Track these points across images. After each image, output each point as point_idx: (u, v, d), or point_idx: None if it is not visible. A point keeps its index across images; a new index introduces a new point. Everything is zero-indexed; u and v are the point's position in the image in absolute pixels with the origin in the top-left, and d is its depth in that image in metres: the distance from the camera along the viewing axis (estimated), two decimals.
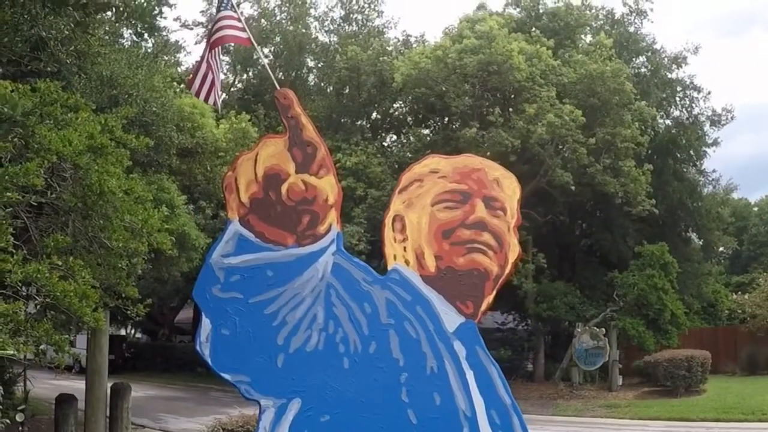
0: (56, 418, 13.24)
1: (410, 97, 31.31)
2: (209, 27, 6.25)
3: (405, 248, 3.77)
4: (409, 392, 3.51)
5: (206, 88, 5.62)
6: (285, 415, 3.38)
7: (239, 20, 5.55)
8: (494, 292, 3.98)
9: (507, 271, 3.99)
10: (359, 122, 34.24)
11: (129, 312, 12.72)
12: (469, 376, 3.66)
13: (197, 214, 22.39)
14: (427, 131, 33.46)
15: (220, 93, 5.88)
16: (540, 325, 32.96)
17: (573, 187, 27.23)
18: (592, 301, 32.11)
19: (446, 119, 32.13)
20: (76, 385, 15.68)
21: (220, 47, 5.66)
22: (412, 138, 32.26)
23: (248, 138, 21.41)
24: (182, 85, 18.83)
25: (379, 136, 34.41)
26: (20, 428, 13.34)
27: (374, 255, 26.80)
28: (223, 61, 6.47)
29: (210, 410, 22.99)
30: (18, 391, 15.30)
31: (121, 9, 6.20)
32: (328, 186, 3.51)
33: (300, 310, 3.35)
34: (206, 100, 5.87)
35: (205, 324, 3.42)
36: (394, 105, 34.26)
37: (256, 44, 7.69)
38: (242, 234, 3.44)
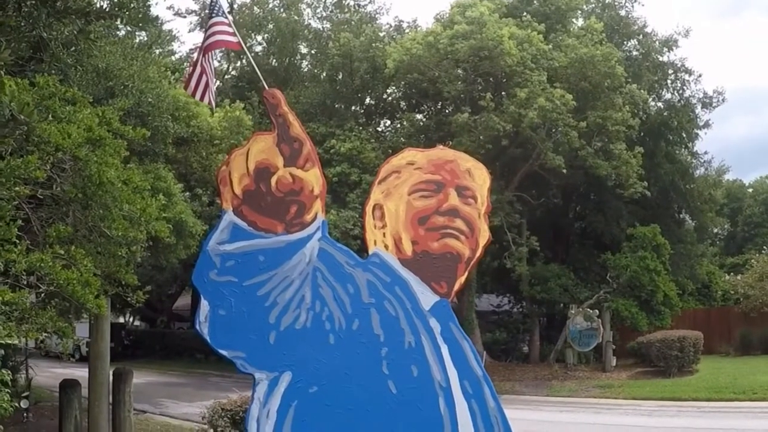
0: (60, 402, 13.52)
1: (403, 83, 31.46)
2: (203, 31, 6.55)
3: (384, 234, 4.07)
4: (389, 365, 3.81)
5: (201, 88, 5.90)
6: (277, 387, 3.69)
7: (230, 25, 5.83)
8: (466, 273, 4.26)
9: (478, 254, 4.28)
10: (353, 108, 34.30)
11: (129, 299, 13.02)
12: (444, 350, 3.95)
13: (194, 202, 22.57)
14: (420, 116, 33.63)
15: (214, 94, 6.17)
16: (535, 308, 33.29)
17: (565, 170, 27.44)
18: (585, 283, 32.44)
19: (439, 104, 32.28)
20: (77, 373, 15.87)
21: (212, 51, 5.95)
22: (405, 123, 32.42)
23: (243, 126, 21.60)
24: (176, 74, 19.00)
25: (372, 122, 34.57)
26: (24, 414, 13.64)
27: None
28: (217, 50, 6.74)
29: (209, 395, 23.22)
30: (21, 378, 15.60)
31: (122, 18, 6.45)
32: (314, 178, 3.80)
33: (289, 292, 3.65)
34: (201, 99, 6.15)
35: (204, 305, 3.71)
36: (387, 91, 34.30)
37: (245, 47, 8.00)
38: (236, 223, 3.72)
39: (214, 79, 6.12)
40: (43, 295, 10.64)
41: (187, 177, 20.25)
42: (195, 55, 6.68)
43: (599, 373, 28.52)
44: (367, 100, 35.22)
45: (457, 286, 4.21)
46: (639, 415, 19.54)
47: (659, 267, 30.08)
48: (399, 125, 34.00)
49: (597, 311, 29.28)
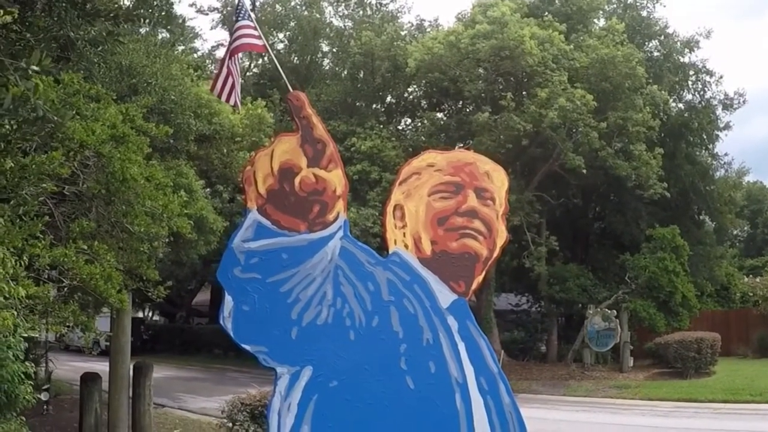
0: (81, 395, 13.74)
1: (424, 82, 31.57)
2: (230, 34, 6.71)
3: (404, 234, 4.19)
4: (407, 361, 3.92)
5: (227, 90, 6.04)
6: (298, 381, 3.80)
7: (255, 28, 5.96)
8: (484, 273, 4.36)
9: (495, 254, 4.38)
10: (374, 106, 34.45)
11: (150, 294, 13.20)
12: (461, 347, 4.06)
13: (214, 198, 22.75)
14: (440, 115, 33.73)
15: (239, 96, 6.30)
16: (553, 307, 33.24)
17: (585, 171, 27.46)
18: (604, 283, 32.47)
19: (459, 103, 32.37)
20: (97, 367, 16.01)
21: (239, 54, 6.09)
22: (426, 122, 32.54)
23: (264, 123, 21.74)
24: (198, 72, 19.15)
25: (393, 120, 34.66)
26: (45, 407, 13.84)
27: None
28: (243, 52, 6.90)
29: (227, 390, 23.43)
30: (41, 371, 15.79)
31: (147, 18, 6.57)
32: (336, 179, 3.90)
33: (311, 289, 3.76)
34: (227, 100, 6.29)
35: (228, 301, 3.83)
36: (408, 89, 34.42)
37: (269, 49, 8.13)
38: (260, 221, 3.83)
39: (240, 81, 6.26)
40: (65, 289, 10.83)
41: (208, 174, 20.42)
42: (222, 56, 6.86)
43: (616, 373, 28.56)
44: (388, 98, 35.34)
45: (474, 286, 4.31)
46: (655, 416, 19.59)
47: (678, 268, 30.03)
48: (420, 124, 34.10)
49: (615, 312, 29.29)
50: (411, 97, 35.08)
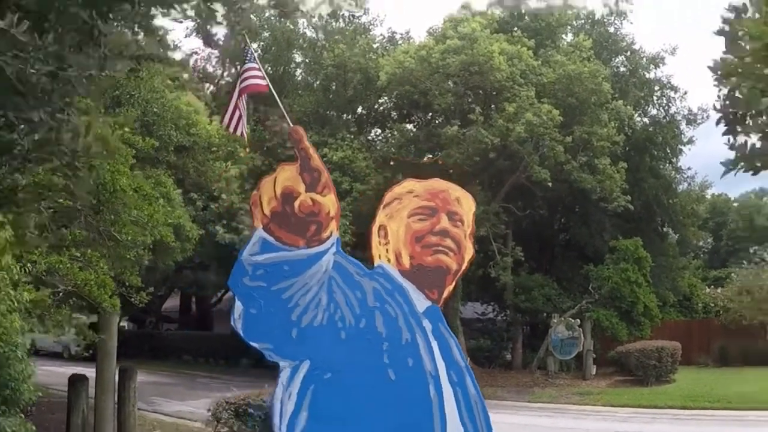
0: (69, 396, 14.20)
1: (395, 93, 32.05)
2: (238, 75, 7.41)
3: (387, 250, 4.83)
4: (389, 356, 4.56)
5: (234, 122, 6.68)
6: (297, 373, 4.42)
7: (260, 70, 6.62)
8: (453, 283, 5.03)
9: (463, 267, 5.04)
10: (345, 116, 34.85)
11: (132, 299, 13.82)
12: (434, 345, 4.70)
13: (189, 206, 23.14)
14: (410, 126, 34.28)
15: (245, 126, 6.95)
16: (518, 316, 33.93)
17: (550, 183, 28.12)
18: (569, 293, 33.19)
19: (429, 115, 32.98)
20: (69, 371, 16.51)
21: (245, 94, 6.75)
22: (396, 133, 33.06)
23: (235, 137, 22.28)
24: (176, 82, 19.61)
25: (364, 131, 35.10)
26: (29, 408, 14.29)
27: (359, 246, 27.79)
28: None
29: (200, 394, 23.89)
30: None
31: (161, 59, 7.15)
32: (330, 202, 4.52)
33: (309, 296, 4.36)
34: (234, 132, 6.94)
35: (238, 306, 4.43)
36: (380, 101, 34.89)
37: (273, 90, 8.82)
38: (265, 238, 4.42)
39: (246, 114, 6.91)
40: (61, 294, 11.42)
41: (183, 182, 20.86)
42: (231, 94, 7.58)
43: (579, 380, 29.39)
44: (359, 109, 35.74)
45: (445, 294, 4.98)
46: (615, 421, 20.36)
47: (640, 279, 30.87)
48: (390, 135, 34.63)
49: (578, 321, 30.08)
50: (382, 108, 35.54)
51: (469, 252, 4.96)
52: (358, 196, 27.96)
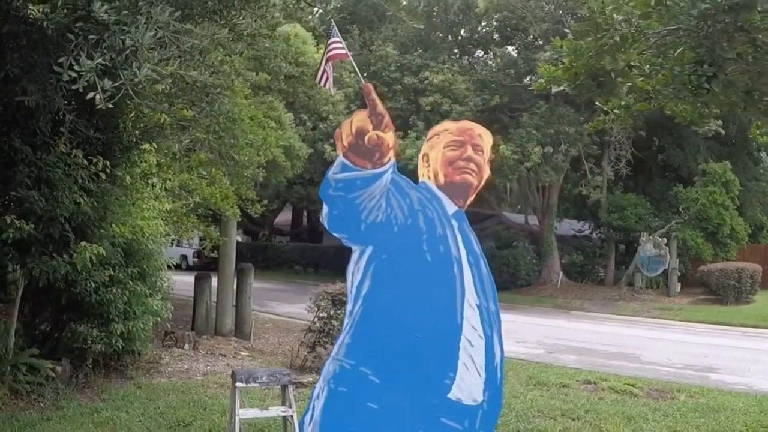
0: (195, 289, 16.75)
1: (496, 16, 32.95)
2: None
3: (428, 171, 6.67)
4: (426, 245, 6.36)
5: (324, 80, 8.52)
6: (363, 254, 6.30)
7: (341, 42, 8.43)
8: (474, 195, 6.84)
9: (482, 184, 6.83)
10: (448, 39, 35.73)
11: (249, 210, 16.02)
12: (458, 237, 6.49)
13: (299, 126, 24.91)
14: (511, 49, 34.86)
15: (332, 83, 8.83)
16: (612, 234, 34.76)
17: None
18: (661, 213, 33.94)
19: (530, 36, 33.51)
20: (187, 279, 18.64)
21: (331, 61, 8.53)
22: (496, 57, 33.99)
23: (343, 61, 23.95)
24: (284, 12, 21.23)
25: (466, 54, 36.08)
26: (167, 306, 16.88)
27: None
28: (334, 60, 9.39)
29: (307, 299, 26.03)
30: None
31: None
32: (390, 138, 6.24)
33: (373, 202, 6.15)
34: (325, 86, 8.80)
35: (324, 209, 6.29)
36: (482, 23, 35.60)
37: (353, 61, 10.78)
38: (344, 162, 6.20)
39: (333, 76, 8.75)
40: (191, 205, 13.73)
41: (294, 105, 22.78)
42: (321, 60, 9.57)
43: (663, 297, 30.53)
44: (462, 32, 36.30)
45: (468, 202, 6.81)
46: (686, 334, 21.64)
47: (727, 202, 31.47)
48: (489, 58, 35.44)
49: (665, 239, 31.00)
50: (484, 31, 36.17)
51: (486, 173, 6.74)
52: (457, 117, 29.21)
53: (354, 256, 6.52)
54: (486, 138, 6.86)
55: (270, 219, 49.59)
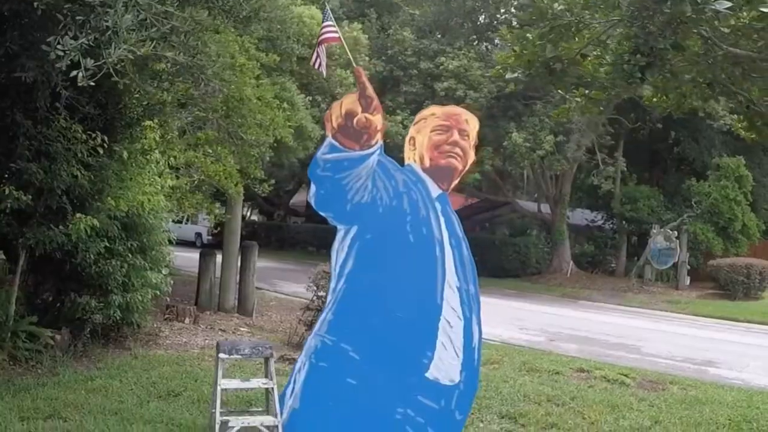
0: (200, 266, 16.96)
1: (513, 4, 32.72)
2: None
3: (414, 154, 6.80)
4: (410, 226, 6.48)
5: (317, 64, 8.66)
6: (348, 234, 6.42)
7: (334, 25, 8.58)
8: (458, 179, 6.94)
9: (466, 168, 6.93)
10: (466, 25, 35.46)
11: (256, 189, 16.18)
12: (441, 219, 6.60)
13: (313, 107, 25.03)
14: (530, 36, 34.49)
15: (324, 66, 8.98)
16: (624, 225, 34.74)
17: (655, 99, 28.63)
18: (674, 206, 33.77)
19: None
20: (196, 256, 18.87)
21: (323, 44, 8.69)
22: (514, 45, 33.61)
23: (359, 44, 23.97)
24: None
25: (483, 41, 35.93)
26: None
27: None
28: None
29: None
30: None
31: None
32: (378, 120, 6.37)
33: (359, 182, 6.28)
34: (318, 69, 8.95)
35: (312, 188, 6.44)
36: (501, 9, 35.41)
37: (345, 44, 11.00)
38: (333, 143, 6.34)
39: (325, 60, 8.91)
40: (195, 182, 13.91)
41: (308, 87, 22.83)
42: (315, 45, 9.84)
43: (672, 290, 30.46)
44: (481, 18, 36.20)
45: (452, 186, 6.92)
46: (691, 327, 21.63)
47: (740, 197, 31.32)
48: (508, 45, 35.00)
49: (676, 233, 30.94)
50: (503, 17, 35.96)
51: (471, 157, 6.88)
52: (471, 102, 29.21)
53: (339, 235, 6.65)
54: (472, 123, 6.97)
55: (285, 199, 49.80)
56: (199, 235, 41.76)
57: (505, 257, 34.43)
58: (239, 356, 7.06)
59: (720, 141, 34.30)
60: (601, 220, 38.09)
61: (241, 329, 15.01)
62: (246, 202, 45.56)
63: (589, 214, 39.00)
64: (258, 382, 7.21)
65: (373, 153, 6.35)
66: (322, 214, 6.47)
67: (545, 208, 37.29)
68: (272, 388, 6.81)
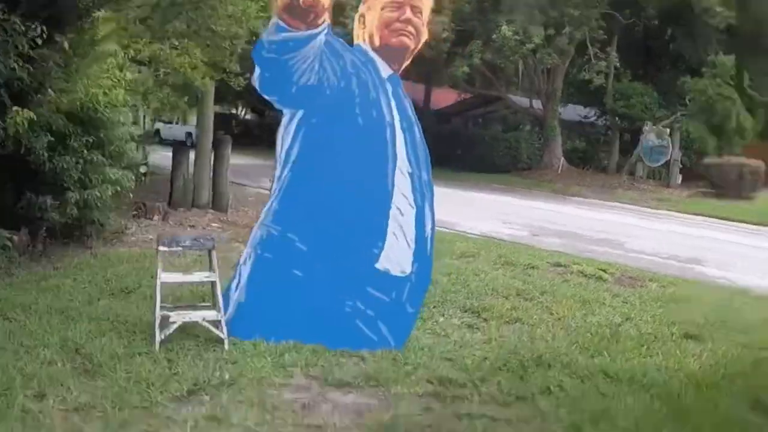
0: (173, 163, 16.61)
1: None
2: None
3: (364, 33, 6.42)
4: (359, 109, 6.20)
5: None
6: (294, 118, 6.13)
7: None
8: (410, 59, 6.57)
9: (418, 47, 6.56)
10: None
11: (231, 83, 15.78)
12: (392, 102, 6.31)
13: None
14: None
15: None
16: (617, 121, 34.30)
17: None
18: (668, 104, 33.32)
19: None
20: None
21: None
22: None
23: None
24: None
25: None
26: (142, 178, 16.73)
27: (458, 42, 28.63)
28: None
29: None
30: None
31: None
32: None
33: (306, 63, 5.96)
34: None
35: (257, 70, 6.11)
36: None
37: None
38: (279, 23, 6.02)
39: None
40: (161, 76, 13.49)
41: None
42: None
43: (663, 188, 30.24)
44: None
45: (403, 66, 6.56)
46: (680, 225, 21.34)
47: (735, 95, 30.88)
48: None
49: (668, 130, 30.62)
50: None
51: (424, 36, 6.50)
52: None
53: (284, 120, 6.30)
54: (426, 0, 6.61)
55: None
56: (189, 134, 41.28)
57: (496, 153, 34.15)
58: (179, 248, 6.80)
59: (717, 39, 33.57)
60: (594, 116, 37.61)
61: (213, 225, 14.75)
62: (238, 100, 45.19)
63: (581, 110, 38.47)
64: (200, 276, 6.96)
65: (320, 33, 5.99)
66: (266, 98, 6.14)
67: (537, 104, 36.76)
68: (215, 282, 6.56)
